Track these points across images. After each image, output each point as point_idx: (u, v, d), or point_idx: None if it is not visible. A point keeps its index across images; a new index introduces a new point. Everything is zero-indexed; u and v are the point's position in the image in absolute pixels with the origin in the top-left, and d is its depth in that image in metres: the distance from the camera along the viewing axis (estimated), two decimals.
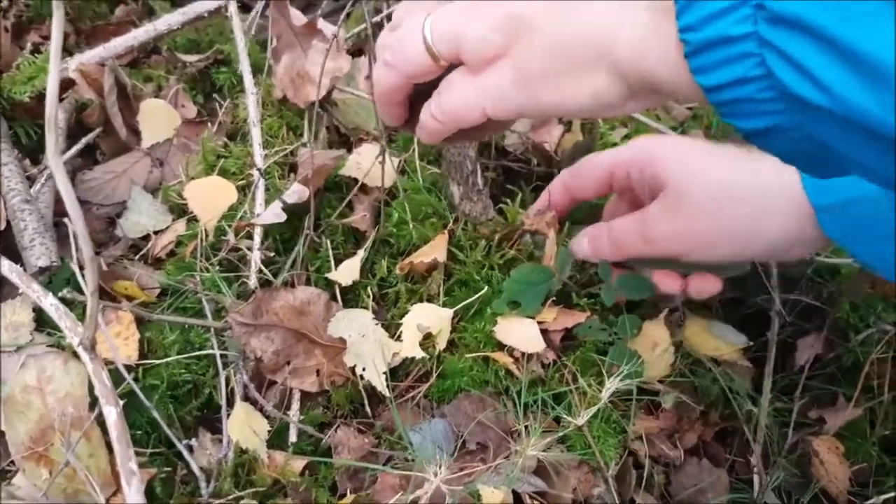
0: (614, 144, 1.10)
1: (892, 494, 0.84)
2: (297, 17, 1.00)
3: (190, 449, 0.69)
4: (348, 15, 1.17)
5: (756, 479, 0.85)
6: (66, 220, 0.84)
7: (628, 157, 0.81)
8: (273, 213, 0.79)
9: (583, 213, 0.98)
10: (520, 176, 1.07)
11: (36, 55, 0.93)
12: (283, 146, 0.93)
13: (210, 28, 1.08)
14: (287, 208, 0.80)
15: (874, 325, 0.90)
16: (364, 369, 0.82)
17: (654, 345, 0.93)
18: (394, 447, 0.79)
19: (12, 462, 0.62)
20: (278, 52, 1.01)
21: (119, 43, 0.95)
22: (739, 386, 0.91)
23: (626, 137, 1.11)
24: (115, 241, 0.90)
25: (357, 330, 0.83)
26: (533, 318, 0.91)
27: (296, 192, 0.80)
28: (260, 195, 0.84)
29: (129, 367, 0.70)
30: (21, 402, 0.66)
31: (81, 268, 0.75)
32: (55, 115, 0.47)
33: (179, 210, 0.90)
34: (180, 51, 1.07)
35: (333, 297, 0.84)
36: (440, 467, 0.72)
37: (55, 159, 0.55)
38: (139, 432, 0.69)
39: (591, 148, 1.09)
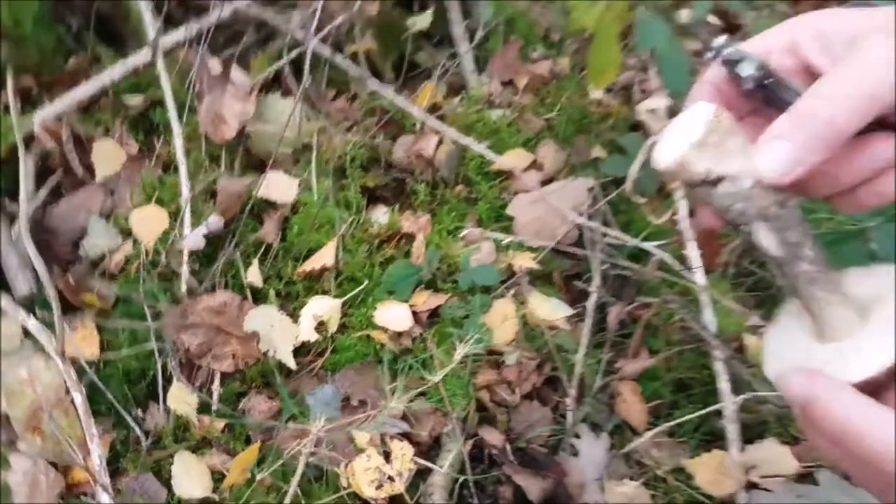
0: None
1: (678, 421, 1.15)
2: (214, 67, 1.28)
3: (138, 419, 1.01)
4: (263, 49, 1.45)
5: (570, 414, 1.17)
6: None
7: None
8: (195, 240, 1.09)
9: None
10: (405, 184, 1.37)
11: (7, 112, 1.21)
12: (207, 175, 1.23)
13: (147, 72, 1.35)
14: (209, 236, 1.10)
15: (662, 298, 1.20)
16: (275, 351, 1.13)
17: (503, 317, 1.24)
18: (298, 408, 1.11)
19: (15, 434, 0.94)
20: (201, 96, 1.29)
21: (73, 97, 1.24)
22: (567, 343, 1.22)
23: None
24: (79, 260, 1.20)
25: (267, 322, 1.14)
26: (406, 301, 1.21)
27: (213, 222, 1.10)
28: (187, 221, 1.14)
29: (92, 362, 1.01)
30: (17, 391, 0.97)
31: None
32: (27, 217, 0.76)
33: (127, 233, 1.20)
34: (123, 93, 1.35)
35: (246, 298, 1.15)
36: (320, 420, 1.04)
37: (26, 236, 0.85)
38: (103, 407, 1.01)
39: (462, 156, 1.38)
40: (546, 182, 1.41)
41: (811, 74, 0.44)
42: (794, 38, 0.46)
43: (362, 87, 1.43)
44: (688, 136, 0.40)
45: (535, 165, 1.43)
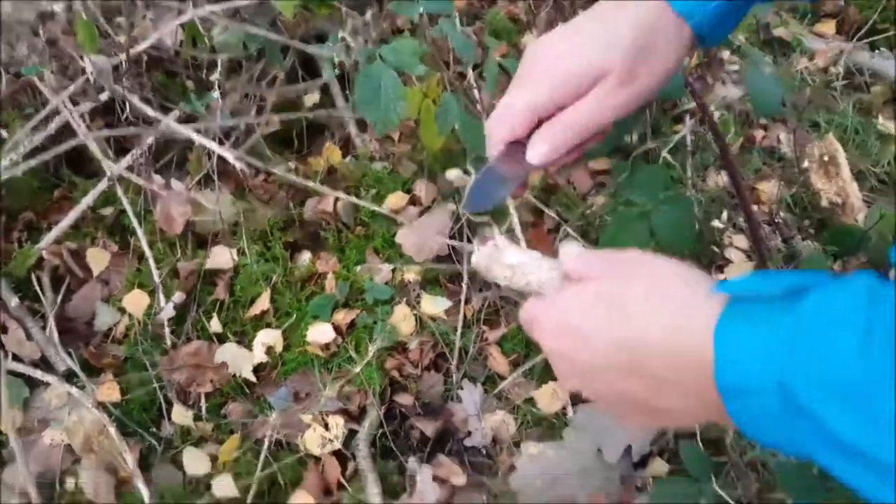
0: None
1: (528, 366, 1.70)
2: (158, 181, 1.83)
3: (155, 433, 1.56)
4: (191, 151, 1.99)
5: (454, 375, 1.72)
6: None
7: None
8: (168, 311, 1.64)
9: None
10: (318, 233, 1.91)
11: (22, 246, 1.76)
12: (168, 260, 1.78)
13: (112, 191, 1.90)
14: (176, 306, 1.65)
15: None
16: (240, 372, 1.68)
17: (404, 316, 1.79)
18: (262, 407, 1.66)
19: (78, 456, 1.50)
20: (154, 202, 1.84)
21: (63, 224, 1.78)
22: (448, 329, 1.77)
23: None
24: (94, 335, 1.75)
25: (231, 354, 1.69)
26: (328, 322, 1.76)
27: (178, 297, 1.66)
28: (161, 298, 1.69)
29: (117, 403, 1.57)
30: (73, 429, 1.53)
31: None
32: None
33: (122, 311, 1.75)
34: (99, 208, 1.89)
35: (213, 342, 1.70)
36: (277, 413, 1.59)
37: (53, 330, 1.40)
38: (130, 429, 1.57)
39: (356, 205, 1.92)
40: (423, 211, 1.97)
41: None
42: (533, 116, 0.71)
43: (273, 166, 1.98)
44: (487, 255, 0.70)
45: (412, 201, 1.98)
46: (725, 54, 2.28)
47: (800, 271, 0.56)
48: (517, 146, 0.73)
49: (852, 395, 0.45)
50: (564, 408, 1.64)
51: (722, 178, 2.07)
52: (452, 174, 1.97)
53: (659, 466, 1.53)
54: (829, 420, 0.46)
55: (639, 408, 0.61)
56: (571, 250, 0.66)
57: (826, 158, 2.08)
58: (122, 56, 1.72)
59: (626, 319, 0.58)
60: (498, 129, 0.72)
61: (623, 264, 0.63)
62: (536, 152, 0.71)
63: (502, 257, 0.69)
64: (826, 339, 0.47)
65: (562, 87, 0.69)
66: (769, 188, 2.11)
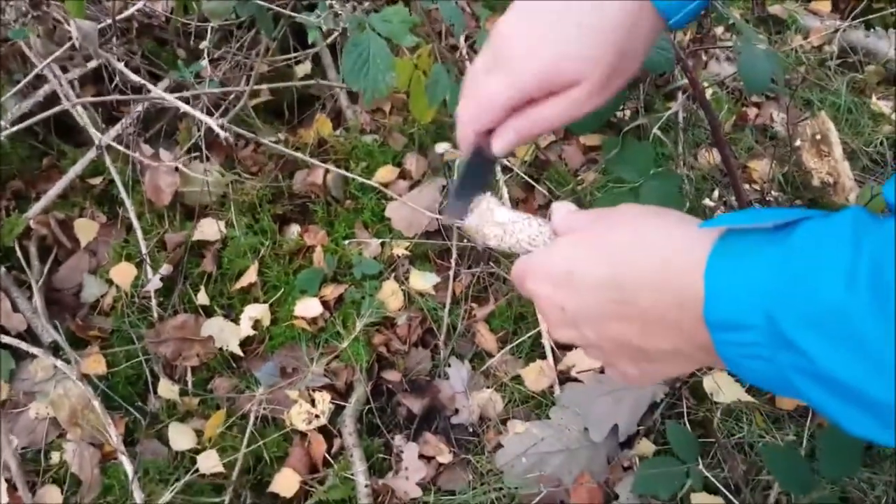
0: None
1: (516, 343, 1.69)
2: (146, 151, 1.80)
3: (140, 407, 1.54)
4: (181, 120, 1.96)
5: (442, 351, 1.71)
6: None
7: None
8: (155, 283, 1.62)
9: None
10: (307, 205, 1.88)
11: (9, 215, 1.72)
12: (156, 231, 1.75)
13: (101, 160, 1.86)
14: (163, 278, 1.63)
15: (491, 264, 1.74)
16: (227, 346, 1.66)
17: (392, 292, 1.77)
18: (248, 382, 1.65)
19: (63, 430, 1.48)
20: (143, 172, 1.80)
21: (51, 194, 1.75)
22: (436, 305, 1.76)
23: None
24: (81, 306, 1.72)
25: (217, 328, 1.67)
26: (316, 296, 1.74)
27: (165, 269, 1.64)
28: (149, 270, 1.67)
29: (102, 376, 1.55)
30: (58, 402, 1.51)
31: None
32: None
33: (110, 282, 1.73)
34: (87, 177, 1.86)
35: (200, 315, 1.68)
36: (263, 388, 1.58)
37: (41, 302, 1.38)
38: (116, 403, 1.55)
39: (346, 178, 1.89)
40: (414, 185, 1.94)
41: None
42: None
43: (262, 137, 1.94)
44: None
45: (402, 174, 1.95)
46: (719, 30, 2.24)
47: (791, 208, 0.55)
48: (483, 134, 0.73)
49: (841, 329, 0.44)
50: (552, 386, 1.63)
51: (713, 156, 2.04)
52: (442, 147, 1.95)
53: (645, 446, 1.52)
54: (819, 356, 0.45)
55: (628, 352, 0.60)
56: (562, 208, 0.67)
57: (818, 137, 2.05)
58: (109, 20, 1.68)
59: (612, 259, 0.59)
60: (473, 123, 0.71)
61: (610, 213, 0.64)
62: (504, 143, 0.71)
63: (493, 216, 0.70)
64: (811, 270, 0.46)
65: (537, 83, 0.67)
66: (761, 167, 2.09)
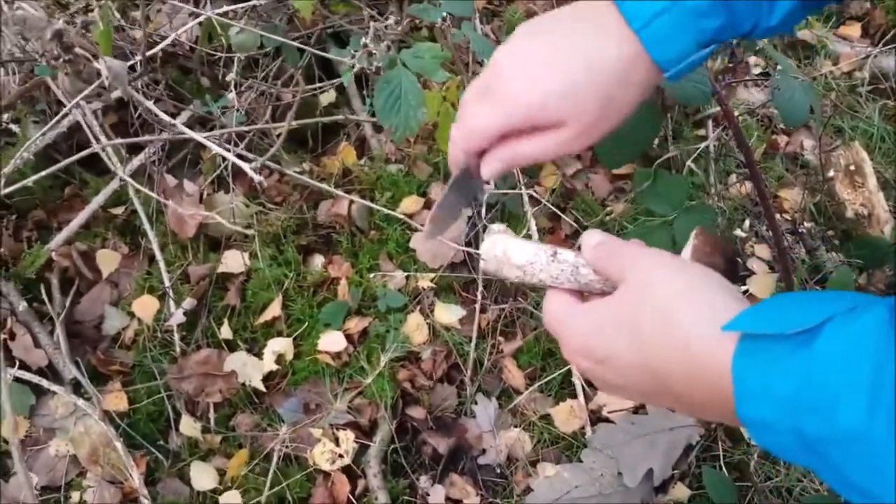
0: None
1: (545, 380, 1.62)
2: (170, 181, 1.75)
3: (161, 445, 1.49)
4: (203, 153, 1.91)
5: (468, 388, 1.64)
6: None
7: None
8: (178, 317, 1.56)
9: None
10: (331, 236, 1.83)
11: (31, 246, 1.68)
12: (179, 264, 1.70)
13: (124, 189, 1.81)
14: (186, 312, 1.57)
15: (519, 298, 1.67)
16: (249, 381, 1.60)
17: (417, 325, 1.71)
18: (271, 418, 1.59)
19: (83, 468, 1.42)
20: (166, 203, 1.75)
21: (73, 225, 1.70)
22: (462, 339, 1.69)
23: None
24: (102, 339, 1.67)
25: (240, 363, 1.61)
26: (340, 329, 1.68)
27: (188, 303, 1.58)
28: (171, 304, 1.61)
29: (124, 413, 1.49)
30: (78, 439, 1.45)
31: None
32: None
33: (131, 315, 1.67)
34: (110, 207, 1.81)
35: (223, 349, 1.62)
36: (286, 426, 1.52)
37: (63, 338, 1.32)
38: (137, 441, 1.49)
39: (370, 208, 1.84)
40: None
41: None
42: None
43: (287, 167, 1.89)
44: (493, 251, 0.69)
45: (427, 205, 1.89)
46: (751, 59, 2.18)
47: (816, 295, 0.55)
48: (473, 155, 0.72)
49: (863, 450, 0.47)
50: (583, 427, 1.56)
51: (745, 186, 1.97)
52: None
53: (680, 491, 1.45)
54: (842, 466, 0.48)
55: (661, 407, 0.63)
56: (591, 239, 0.67)
57: (852, 168, 1.97)
58: (139, 58, 1.63)
59: (643, 347, 0.59)
60: (465, 148, 0.70)
61: (641, 277, 0.62)
62: (492, 170, 0.71)
63: (510, 259, 0.69)
64: (833, 390, 0.48)
65: (523, 118, 0.67)
66: (792, 196, 2.01)
